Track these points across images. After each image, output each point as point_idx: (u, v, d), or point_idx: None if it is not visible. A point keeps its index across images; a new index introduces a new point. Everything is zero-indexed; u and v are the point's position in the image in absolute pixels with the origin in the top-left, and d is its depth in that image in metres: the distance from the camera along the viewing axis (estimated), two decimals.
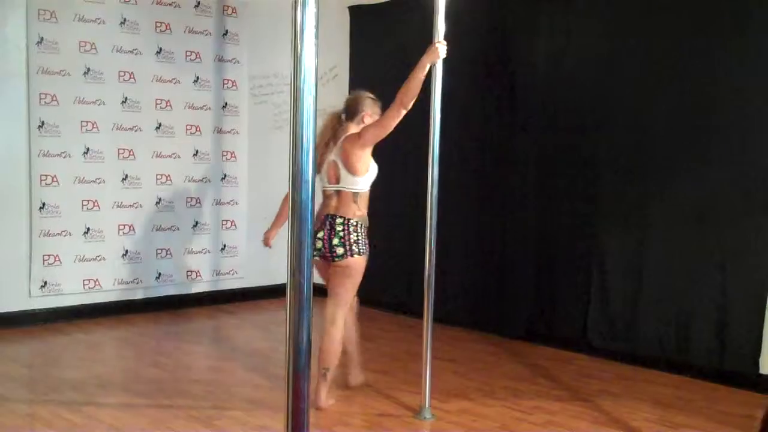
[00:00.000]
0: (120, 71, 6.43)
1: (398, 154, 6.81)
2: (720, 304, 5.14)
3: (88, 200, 6.34)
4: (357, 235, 4.45)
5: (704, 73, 5.17)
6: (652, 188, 5.42)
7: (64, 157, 6.19)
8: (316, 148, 3.73)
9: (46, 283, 6.19)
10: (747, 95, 5.00)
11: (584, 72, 5.76)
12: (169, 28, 6.68)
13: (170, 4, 6.66)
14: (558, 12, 5.87)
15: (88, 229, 6.36)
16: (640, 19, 5.46)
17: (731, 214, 5.09)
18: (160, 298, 6.79)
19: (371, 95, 4.67)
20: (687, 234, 5.27)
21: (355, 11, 7.29)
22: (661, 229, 5.40)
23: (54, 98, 6.11)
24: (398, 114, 4.23)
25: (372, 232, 7.14)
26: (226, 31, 7.05)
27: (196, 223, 6.99)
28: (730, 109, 5.07)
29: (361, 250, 4.45)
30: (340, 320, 4.50)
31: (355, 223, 4.45)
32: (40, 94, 6.05)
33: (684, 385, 5.16)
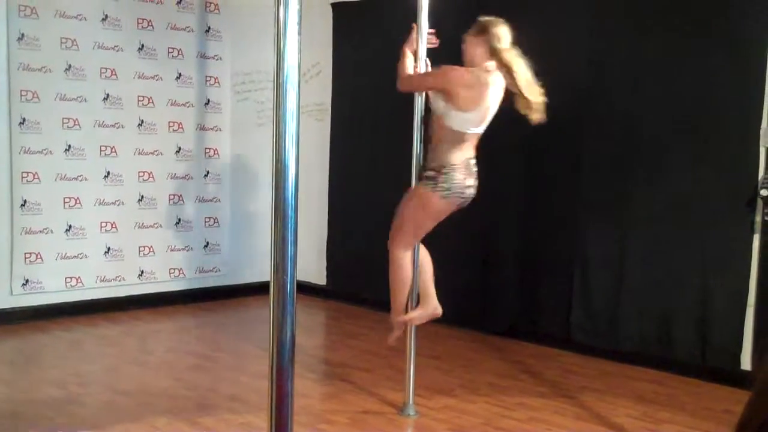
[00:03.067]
0: (102, 68, 6.39)
1: (382, 153, 6.80)
2: (701, 300, 5.17)
3: (69, 197, 6.30)
4: None
5: (690, 75, 5.19)
6: (635, 187, 5.44)
7: (46, 154, 6.15)
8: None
9: (27, 280, 6.15)
10: (733, 97, 5.03)
11: (568, 72, 5.76)
12: (151, 25, 6.65)
13: (152, 1, 6.62)
14: (543, 10, 5.89)
15: (70, 226, 6.32)
16: (627, 19, 5.48)
17: (713, 213, 5.12)
18: (142, 295, 6.75)
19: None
20: (669, 232, 5.29)
21: (337, 8, 7.27)
22: (643, 227, 5.42)
23: (35, 95, 6.07)
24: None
25: (355, 228, 7.16)
26: (209, 28, 7.02)
27: (179, 220, 6.96)
28: (714, 111, 5.10)
29: None
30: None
31: None
32: (21, 90, 6.01)
33: (666, 381, 5.20)
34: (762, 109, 4.95)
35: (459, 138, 4.19)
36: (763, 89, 4.93)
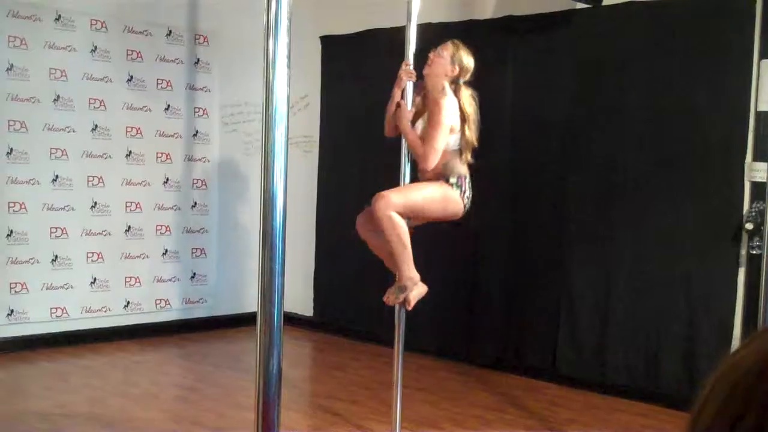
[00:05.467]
0: (90, 98, 6.40)
1: (370, 185, 6.82)
2: (688, 333, 5.18)
3: (56, 227, 6.29)
4: None
5: (673, 108, 5.25)
6: (620, 219, 5.47)
7: (33, 185, 6.14)
8: None
9: (12, 311, 6.11)
10: (716, 132, 5.08)
11: (554, 106, 5.82)
12: (141, 56, 6.67)
13: (142, 32, 6.66)
14: (528, 47, 5.94)
15: (56, 256, 6.30)
16: (609, 55, 5.54)
17: (698, 247, 5.15)
18: (128, 326, 6.71)
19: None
20: (655, 265, 5.32)
21: (326, 41, 7.32)
22: (629, 260, 5.44)
23: (23, 125, 6.07)
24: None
25: (342, 259, 7.14)
26: (198, 60, 7.05)
27: (166, 251, 6.94)
28: (699, 145, 5.14)
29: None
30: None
31: None
32: (8, 121, 6.01)
33: (652, 413, 5.19)
34: (746, 142, 5.00)
35: (456, 153, 4.29)
36: (747, 123, 4.99)
